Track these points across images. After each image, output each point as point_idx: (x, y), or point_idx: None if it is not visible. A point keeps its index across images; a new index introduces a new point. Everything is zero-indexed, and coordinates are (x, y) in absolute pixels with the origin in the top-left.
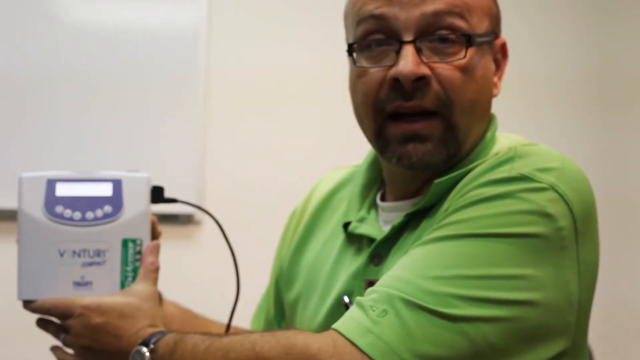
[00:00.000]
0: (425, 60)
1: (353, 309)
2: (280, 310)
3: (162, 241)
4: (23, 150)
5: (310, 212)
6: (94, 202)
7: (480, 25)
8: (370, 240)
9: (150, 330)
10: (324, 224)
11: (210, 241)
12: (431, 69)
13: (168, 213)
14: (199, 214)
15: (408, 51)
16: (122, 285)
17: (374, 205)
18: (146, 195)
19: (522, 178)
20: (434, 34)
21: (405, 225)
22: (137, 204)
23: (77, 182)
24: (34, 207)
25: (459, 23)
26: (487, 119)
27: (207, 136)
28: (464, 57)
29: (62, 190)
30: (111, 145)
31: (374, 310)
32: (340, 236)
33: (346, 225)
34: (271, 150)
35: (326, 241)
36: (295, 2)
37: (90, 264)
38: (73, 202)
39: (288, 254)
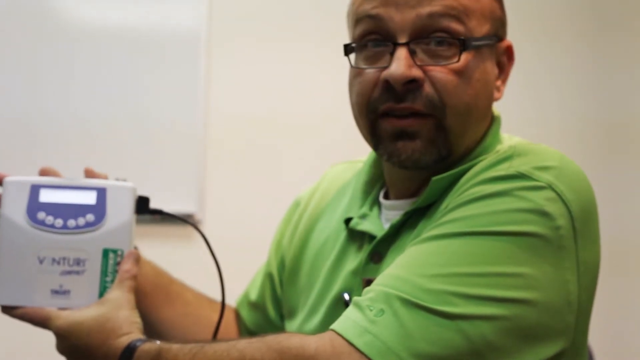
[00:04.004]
0: (419, 62)
1: (350, 308)
2: (274, 301)
3: (162, 241)
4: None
5: (315, 204)
6: (76, 210)
7: (480, 29)
8: (372, 237)
9: (121, 344)
10: (328, 218)
11: (211, 241)
12: (425, 71)
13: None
14: (198, 214)
15: (401, 54)
16: (101, 296)
17: (376, 202)
18: (130, 205)
19: (520, 176)
20: (429, 37)
21: (403, 224)
22: (120, 214)
23: (61, 188)
24: (16, 212)
25: (455, 26)
26: (487, 121)
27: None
28: (458, 60)
29: (46, 196)
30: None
31: (371, 310)
32: (343, 232)
33: (348, 221)
34: (275, 124)
35: (329, 236)
36: None
37: (69, 272)
38: (56, 209)
39: (292, 247)
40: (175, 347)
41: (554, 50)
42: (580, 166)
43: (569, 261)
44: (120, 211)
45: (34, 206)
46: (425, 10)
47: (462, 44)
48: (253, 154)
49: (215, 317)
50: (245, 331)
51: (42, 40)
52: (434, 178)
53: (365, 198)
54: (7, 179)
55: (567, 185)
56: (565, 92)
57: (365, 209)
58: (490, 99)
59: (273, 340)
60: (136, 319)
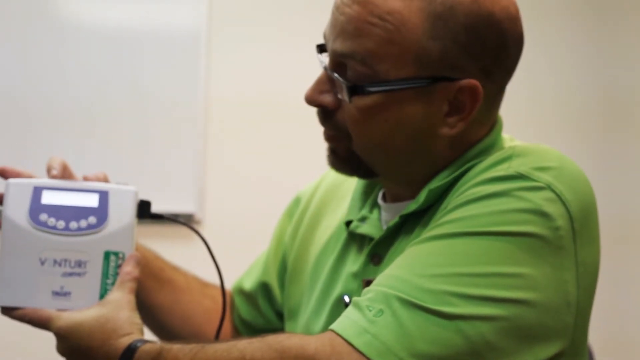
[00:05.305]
0: (337, 91)
1: (350, 309)
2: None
3: (161, 240)
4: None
5: (317, 203)
6: (78, 212)
7: (396, 72)
8: (371, 239)
9: (122, 344)
10: (330, 218)
11: (211, 241)
12: (340, 100)
13: (168, 213)
14: (199, 214)
15: (319, 77)
16: (101, 298)
17: (376, 204)
18: (132, 208)
19: (519, 176)
20: (334, 72)
21: (401, 227)
22: (122, 217)
23: (63, 191)
24: (19, 213)
25: (360, 69)
26: (429, 160)
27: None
28: (350, 102)
29: (48, 198)
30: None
31: (370, 310)
32: (343, 234)
33: (348, 223)
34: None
35: (330, 237)
36: None
37: (71, 274)
38: (58, 211)
39: (295, 246)
40: (175, 347)
41: (549, 26)
42: (578, 142)
43: (568, 262)
44: (122, 214)
45: (36, 208)
46: (337, 46)
47: (350, 89)
48: (253, 153)
49: (206, 302)
50: (238, 319)
51: (40, 34)
52: (431, 187)
53: (365, 200)
54: (10, 181)
55: (566, 185)
56: (561, 68)
57: (365, 212)
58: (424, 138)
59: (273, 340)
60: (137, 320)
